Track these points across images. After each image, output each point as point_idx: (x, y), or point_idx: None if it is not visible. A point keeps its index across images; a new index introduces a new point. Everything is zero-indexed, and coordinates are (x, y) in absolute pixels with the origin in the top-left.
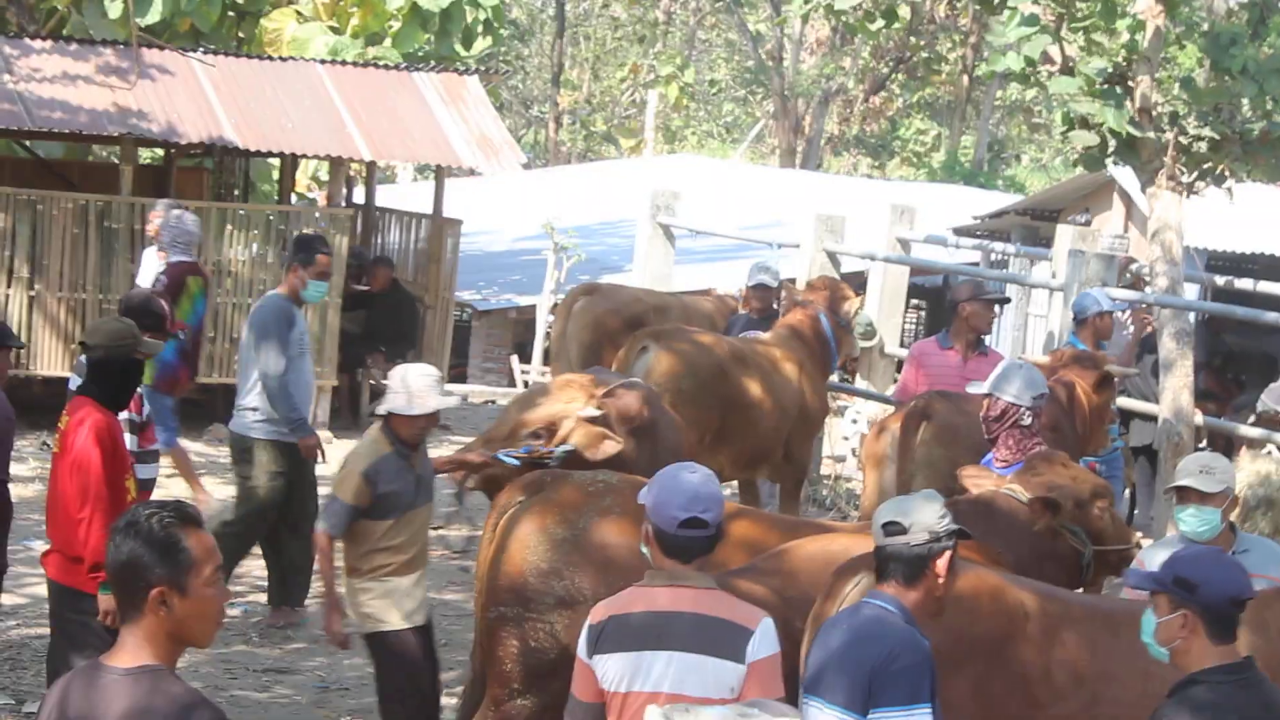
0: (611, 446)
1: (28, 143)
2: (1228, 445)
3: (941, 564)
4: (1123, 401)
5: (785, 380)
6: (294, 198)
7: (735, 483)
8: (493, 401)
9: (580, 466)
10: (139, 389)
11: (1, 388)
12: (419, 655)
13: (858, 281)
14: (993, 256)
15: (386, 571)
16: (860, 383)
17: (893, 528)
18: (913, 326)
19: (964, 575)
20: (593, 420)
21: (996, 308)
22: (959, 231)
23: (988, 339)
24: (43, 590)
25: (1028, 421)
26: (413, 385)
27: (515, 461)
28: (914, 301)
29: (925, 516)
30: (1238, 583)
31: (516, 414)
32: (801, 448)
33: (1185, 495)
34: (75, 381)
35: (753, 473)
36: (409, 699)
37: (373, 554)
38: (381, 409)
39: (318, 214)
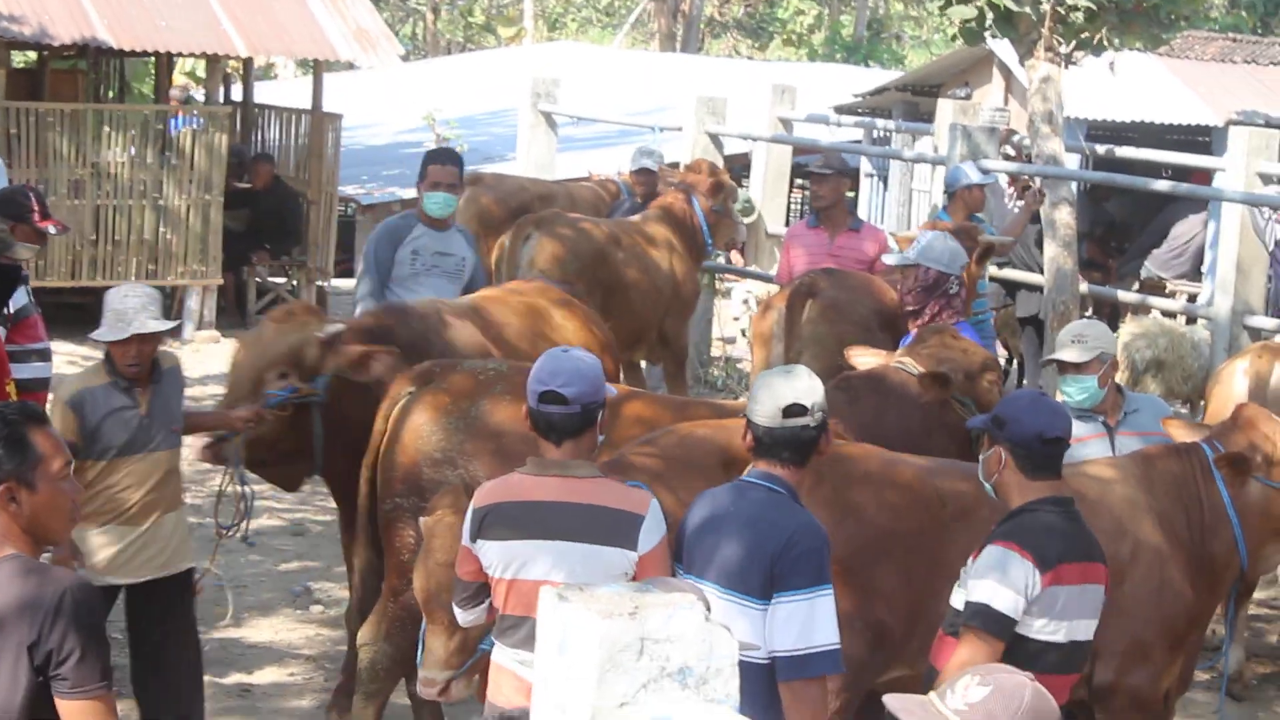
0: (382, 363)
1: None
2: (1113, 312)
3: (824, 442)
4: (1008, 272)
5: (657, 262)
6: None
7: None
8: None
9: (357, 394)
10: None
11: None
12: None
13: (741, 163)
14: (875, 133)
15: (107, 519)
16: (744, 264)
17: (794, 410)
18: (798, 206)
19: (885, 467)
20: (336, 338)
21: (831, 181)
22: (841, 110)
23: (871, 214)
24: None
25: (954, 290)
26: (117, 306)
27: (277, 402)
28: (798, 181)
29: (819, 397)
30: (1047, 422)
31: (250, 362)
32: (676, 329)
33: (1063, 366)
34: None
35: (631, 355)
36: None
37: (92, 497)
38: (93, 336)
39: (196, 113)
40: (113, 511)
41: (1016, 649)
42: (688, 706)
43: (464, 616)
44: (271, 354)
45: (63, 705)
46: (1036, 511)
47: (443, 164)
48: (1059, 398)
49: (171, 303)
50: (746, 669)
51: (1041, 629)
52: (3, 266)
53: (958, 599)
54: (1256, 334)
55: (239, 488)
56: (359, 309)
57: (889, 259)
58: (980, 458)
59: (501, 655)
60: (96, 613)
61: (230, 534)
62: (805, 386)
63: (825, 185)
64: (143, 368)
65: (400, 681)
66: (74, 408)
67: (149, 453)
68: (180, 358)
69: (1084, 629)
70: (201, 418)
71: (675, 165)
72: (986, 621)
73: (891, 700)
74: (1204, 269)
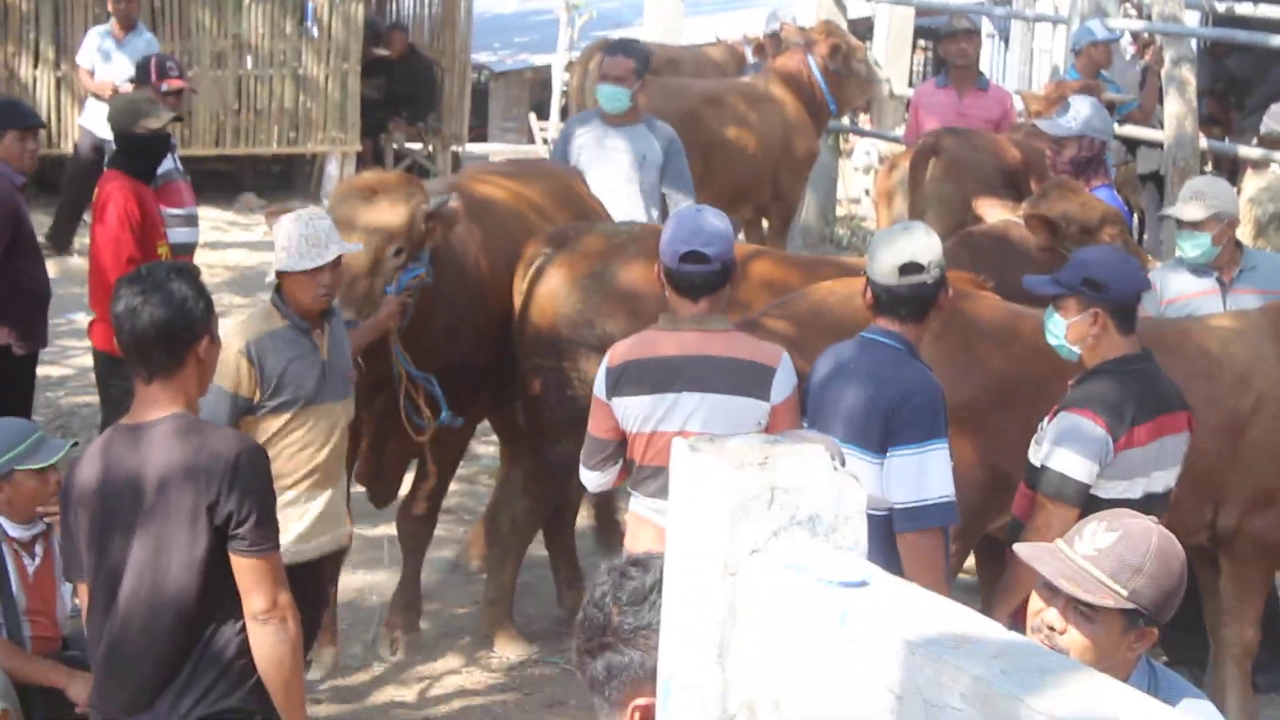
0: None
1: None
2: (1233, 168)
3: (943, 297)
4: (1129, 129)
5: (767, 120)
6: None
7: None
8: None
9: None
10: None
11: (30, 169)
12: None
13: (865, 25)
14: None
15: (295, 482)
16: (871, 125)
17: (911, 268)
18: (920, 68)
19: (1007, 318)
20: (443, 209)
21: (971, 39)
22: None
23: (993, 74)
24: (88, 361)
25: (1108, 158)
26: (305, 231)
27: (399, 290)
28: (921, 43)
29: (936, 254)
30: (1140, 278)
31: (367, 241)
32: (789, 186)
33: (1181, 223)
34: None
35: (738, 210)
36: None
37: (273, 459)
38: (287, 267)
39: None
40: (295, 474)
41: (1090, 507)
42: (817, 553)
43: (595, 478)
44: (387, 229)
45: (239, 562)
46: (1112, 373)
47: (613, 55)
48: (1175, 252)
49: (313, 169)
50: (869, 521)
51: (1114, 489)
52: (143, 136)
53: (1034, 454)
54: None
55: (420, 383)
56: None
57: (1045, 125)
58: (1066, 322)
59: (639, 505)
60: (267, 474)
61: (427, 432)
62: (922, 244)
63: (966, 42)
64: (331, 299)
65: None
66: (254, 357)
67: (332, 403)
68: None
69: (1161, 480)
70: (357, 339)
71: (802, 29)
72: (1063, 491)
73: (1022, 549)
74: None
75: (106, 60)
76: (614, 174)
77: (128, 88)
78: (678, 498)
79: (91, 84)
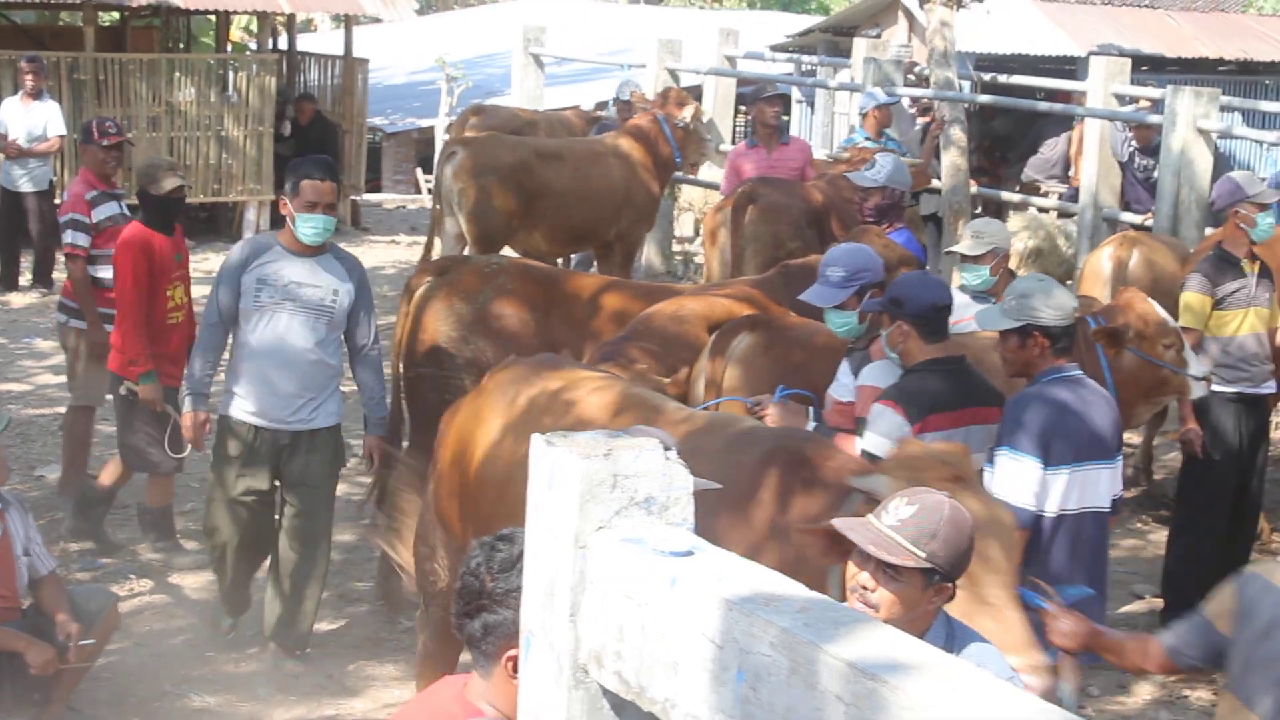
0: None
1: (5, 12)
2: (998, 210)
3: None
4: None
5: (609, 171)
6: (229, 47)
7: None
8: (403, 206)
9: None
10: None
11: None
12: None
13: (695, 94)
14: (803, 67)
15: None
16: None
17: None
18: (743, 128)
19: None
20: None
21: (778, 103)
22: (775, 48)
23: (801, 134)
24: (45, 379)
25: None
26: None
27: None
28: (741, 108)
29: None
30: (936, 294)
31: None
32: (631, 227)
33: (963, 257)
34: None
35: (581, 247)
36: None
37: None
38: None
39: (250, 59)
40: None
41: None
42: (652, 529)
43: None
44: None
45: None
46: (920, 372)
47: (321, 179)
48: (958, 282)
49: (234, 215)
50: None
51: None
52: (157, 197)
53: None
54: (1115, 226)
55: None
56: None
57: (854, 177)
58: (882, 333)
59: None
60: None
61: None
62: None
63: (774, 104)
64: None
65: None
66: None
67: None
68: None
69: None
70: None
71: (660, 94)
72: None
73: (840, 523)
74: (1070, 173)
75: (14, 123)
76: (304, 312)
77: (29, 145)
78: (536, 483)
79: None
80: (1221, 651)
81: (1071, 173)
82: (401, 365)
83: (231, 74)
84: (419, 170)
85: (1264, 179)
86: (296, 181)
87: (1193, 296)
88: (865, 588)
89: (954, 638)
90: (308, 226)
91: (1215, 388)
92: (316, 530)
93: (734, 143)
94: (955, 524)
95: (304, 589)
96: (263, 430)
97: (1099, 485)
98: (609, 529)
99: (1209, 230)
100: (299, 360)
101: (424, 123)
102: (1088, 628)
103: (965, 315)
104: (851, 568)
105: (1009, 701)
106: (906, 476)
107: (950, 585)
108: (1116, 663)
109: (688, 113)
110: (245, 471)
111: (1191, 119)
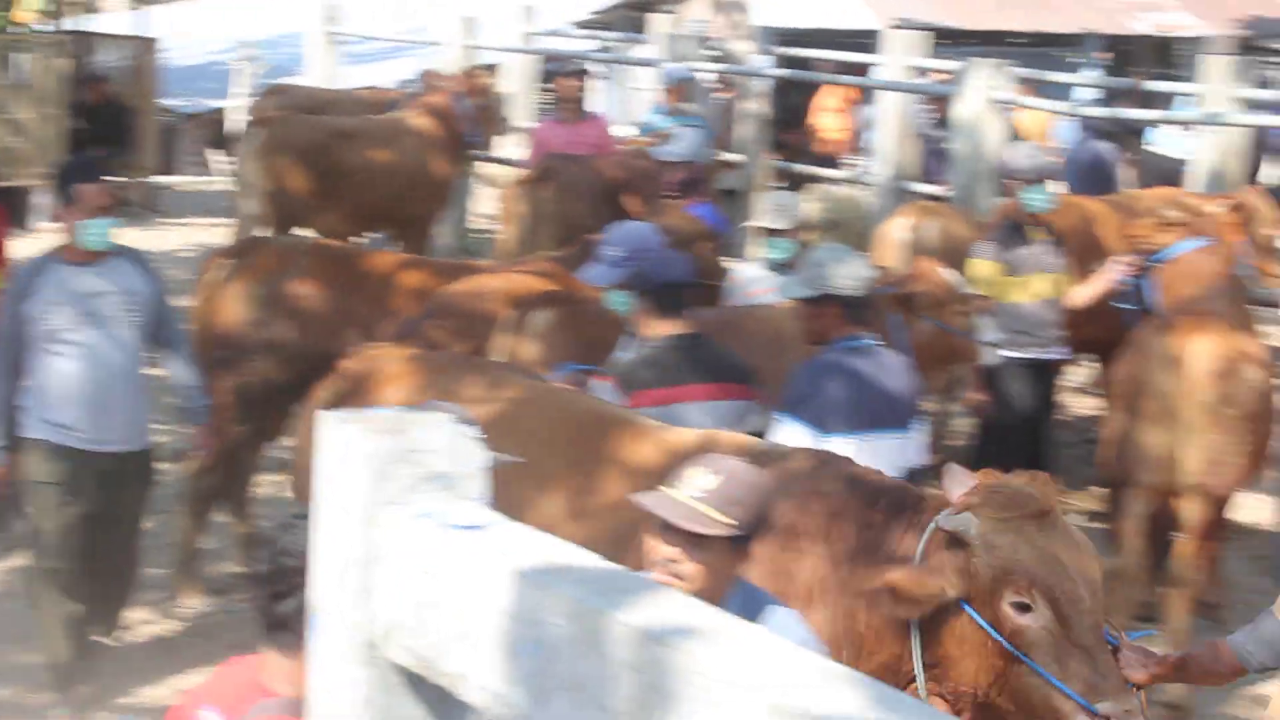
0: None
1: None
2: (795, 183)
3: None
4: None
5: (404, 149)
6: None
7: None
8: (199, 190)
9: None
10: None
11: None
12: None
13: (495, 72)
14: (604, 44)
15: None
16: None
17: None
18: (549, 105)
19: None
20: None
21: (579, 78)
22: (577, 25)
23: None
24: None
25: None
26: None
27: None
28: (544, 85)
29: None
30: (670, 274)
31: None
32: (426, 204)
33: (771, 230)
34: None
35: (377, 227)
36: None
37: None
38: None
39: (37, 39)
40: None
41: None
42: (445, 504)
43: None
44: None
45: None
46: (646, 350)
47: (93, 181)
48: (762, 254)
49: (23, 201)
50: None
51: None
52: None
53: None
54: (911, 196)
55: None
56: None
57: (660, 153)
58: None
59: None
60: None
61: None
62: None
63: (574, 80)
64: None
65: None
66: None
67: None
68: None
69: None
70: None
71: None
72: None
73: (642, 498)
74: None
75: None
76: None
77: None
78: (326, 460)
79: None
80: None
81: (864, 144)
82: (200, 349)
83: (18, 55)
84: (209, 151)
85: (1053, 149)
86: (69, 189)
87: (983, 264)
88: (673, 559)
89: (753, 602)
90: (91, 232)
91: (1005, 353)
92: (129, 551)
93: (539, 120)
94: (755, 487)
95: (113, 586)
96: (81, 453)
97: (890, 454)
98: (401, 505)
99: (1000, 200)
100: (111, 376)
101: (217, 103)
102: (1163, 662)
103: (765, 287)
104: (651, 541)
105: (800, 666)
106: (992, 515)
107: (748, 548)
108: (1195, 681)
109: (483, 89)
110: (68, 499)
111: (985, 91)
